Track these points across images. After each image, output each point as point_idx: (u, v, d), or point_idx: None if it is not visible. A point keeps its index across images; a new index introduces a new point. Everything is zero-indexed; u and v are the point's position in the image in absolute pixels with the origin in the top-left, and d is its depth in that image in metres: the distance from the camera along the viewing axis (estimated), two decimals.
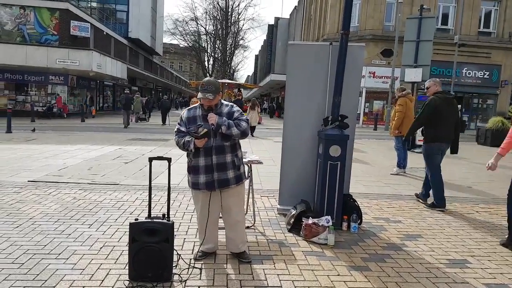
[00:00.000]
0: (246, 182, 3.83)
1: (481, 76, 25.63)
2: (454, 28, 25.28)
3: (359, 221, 4.47)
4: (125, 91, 22.14)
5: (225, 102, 3.44)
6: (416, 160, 10.02)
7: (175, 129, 3.37)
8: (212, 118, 3.19)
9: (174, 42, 63.58)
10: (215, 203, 3.39)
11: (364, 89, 25.29)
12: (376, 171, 8.25)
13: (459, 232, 4.54)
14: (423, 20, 12.33)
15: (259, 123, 17.26)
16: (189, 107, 3.46)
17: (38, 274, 3.09)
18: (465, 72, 25.51)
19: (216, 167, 3.26)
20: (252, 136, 15.92)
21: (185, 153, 3.42)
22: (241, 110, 3.44)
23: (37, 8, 25.12)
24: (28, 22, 25.09)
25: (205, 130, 3.15)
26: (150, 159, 3.25)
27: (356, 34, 25.49)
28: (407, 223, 4.79)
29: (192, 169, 3.34)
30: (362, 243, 4.05)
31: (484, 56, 25.34)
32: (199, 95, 3.23)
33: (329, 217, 4.10)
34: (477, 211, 5.50)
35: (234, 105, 3.45)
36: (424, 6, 13.16)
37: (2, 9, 24.87)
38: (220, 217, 3.57)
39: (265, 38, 64.50)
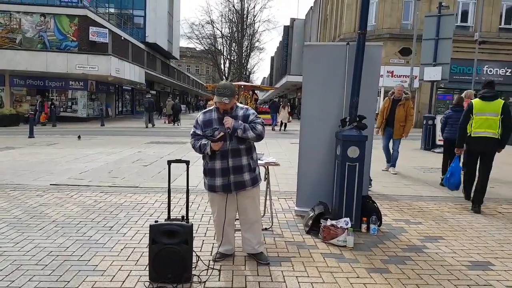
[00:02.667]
0: (263, 184, 3.83)
1: (503, 74, 24.98)
2: (474, 25, 24.72)
3: (378, 223, 4.42)
4: (147, 96, 24.17)
5: (240, 105, 3.45)
6: (436, 160, 9.85)
7: (191, 132, 3.40)
8: (228, 121, 3.20)
9: (191, 45, 64.25)
10: (231, 205, 3.40)
11: (382, 89, 24.96)
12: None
13: (481, 234, 4.45)
14: (442, 18, 12.11)
15: (289, 121, 20.55)
16: (205, 110, 3.49)
17: (61, 275, 3.16)
18: (486, 70, 24.91)
19: (232, 170, 3.28)
20: (285, 131, 19.78)
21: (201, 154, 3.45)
22: (256, 113, 3.46)
23: (57, 15, 25.73)
24: (49, 29, 25.71)
25: (222, 133, 3.18)
26: (169, 162, 3.29)
27: (374, 33, 25.24)
28: (428, 225, 4.71)
29: (209, 172, 3.37)
30: (381, 245, 4.00)
31: (505, 53, 24.70)
32: (215, 98, 3.25)
33: (347, 219, 4.07)
34: (500, 212, 5.37)
35: (250, 108, 3.46)
36: (442, 4, 12.87)
37: (23, 17, 25.58)
38: (237, 219, 3.59)
39: (280, 39, 64.42)
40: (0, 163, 8.51)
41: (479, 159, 5.50)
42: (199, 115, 3.44)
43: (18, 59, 22.58)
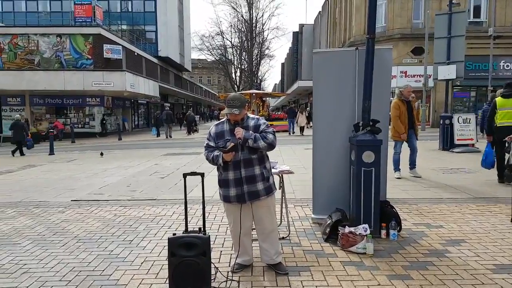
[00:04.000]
0: (278, 192, 3.83)
1: None
2: (487, 20, 24.33)
3: (398, 228, 4.35)
4: (166, 108, 25.92)
5: (251, 115, 3.49)
6: (455, 161, 9.69)
7: (205, 144, 3.46)
8: (239, 132, 3.24)
9: (202, 57, 64.98)
10: (247, 215, 3.42)
11: (396, 90, 24.74)
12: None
13: (505, 235, 4.33)
14: (454, 16, 11.92)
15: (309, 127, 22.56)
16: (217, 122, 3.53)
17: None
18: (503, 65, 24.42)
19: (245, 180, 3.30)
20: (303, 135, 21.10)
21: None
22: (267, 123, 3.48)
23: (72, 35, 26.46)
24: (65, 49, 26.47)
25: (232, 144, 3.20)
26: (184, 175, 3.33)
27: (384, 34, 25.09)
28: (449, 228, 4.61)
29: (223, 183, 3.40)
30: (402, 251, 3.94)
31: None
32: (225, 110, 3.30)
33: (366, 226, 4.02)
34: None
35: (261, 118, 3.49)
36: (453, 1, 12.71)
37: (41, 38, 26.38)
38: (254, 229, 3.60)
39: (290, 45, 64.58)
40: (23, 181, 8.72)
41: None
42: (212, 127, 3.49)
43: (37, 79, 23.27)
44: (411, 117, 7.55)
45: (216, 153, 3.30)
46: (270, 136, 3.29)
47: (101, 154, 13.89)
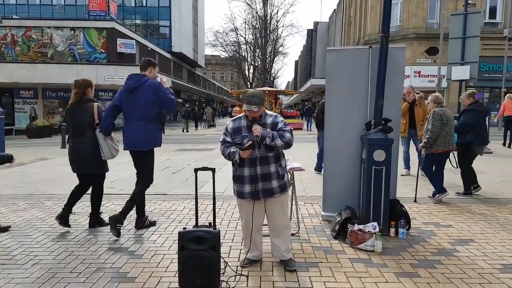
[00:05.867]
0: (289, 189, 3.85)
1: None
2: (503, 22, 24.00)
3: (407, 227, 4.35)
4: (186, 105, 28.42)
5: (269, 113, 3.48)
6: None
7: (221, 139, 3.46)
8: (257, 129, 3.25)
9: (215, 53, 65.12)
10: (259, 212, 3.44)
11: None
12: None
13: None
14: (469, 16, 11.78)
15: None
16: (234, 118, 3.54)
17: (94, 283, 3.27)
18: None
19: (260, 177, 3.31)
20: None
21: (229, 161, 3.51)
22: (285, 121, 3.47)
23: (86, 29, 26.74)
24: (78, 43, 26.77)
25: (250, 142, 3.21)
26: (196, 170, 3.36)
27: (399, 33, 24.87)
28: (458, 227, 4.60)
29: (237, 179, 3.42)
30: (410, 249, 3.94)
31: None
32: (244, 107, 3.30)
33: (375, 223, 4.03)
34: None
35: (278, 115, 3.49)
36: (469, 1, 12.55)
37: (54, 32, 26.71)
38: (265, 224, 3.62)
39: (304, 43, 64.39)
40: (35, 173, 8.87)
41: None
42: (229, 123, 3.50)
43: (50, 73, 23.53)
44: (411, 117, 7.67)
45: (232, 149, 3.31)
46: (288, 134, 3.30)
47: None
